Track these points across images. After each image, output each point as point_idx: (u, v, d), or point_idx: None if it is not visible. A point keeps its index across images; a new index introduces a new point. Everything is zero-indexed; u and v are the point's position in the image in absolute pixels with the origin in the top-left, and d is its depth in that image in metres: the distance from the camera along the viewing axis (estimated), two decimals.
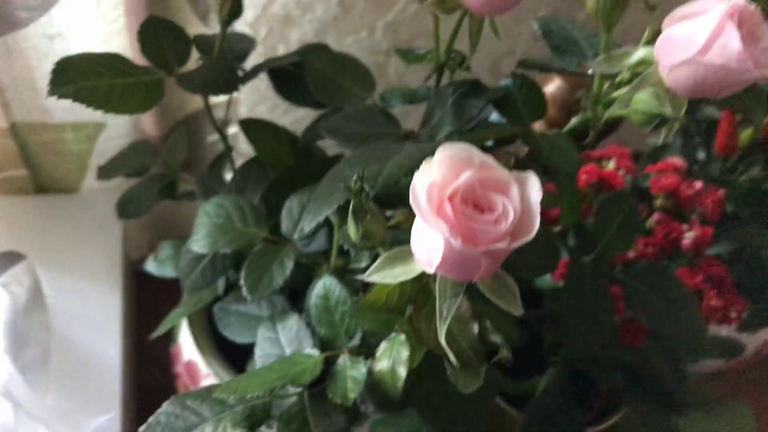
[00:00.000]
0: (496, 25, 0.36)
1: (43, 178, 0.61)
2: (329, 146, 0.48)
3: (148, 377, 0.64)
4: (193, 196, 0.50)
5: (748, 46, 0.27)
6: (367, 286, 0.30)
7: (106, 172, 0.54)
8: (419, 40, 0.88)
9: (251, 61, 0.49)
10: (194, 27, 0.59)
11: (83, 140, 0.57)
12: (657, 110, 0.28)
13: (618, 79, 0.31)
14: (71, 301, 0.56)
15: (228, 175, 0.50)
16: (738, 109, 0.34)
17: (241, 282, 0.36)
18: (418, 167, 0.27)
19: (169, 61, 0.40)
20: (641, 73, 0.30)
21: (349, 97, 0.43)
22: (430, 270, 0.25)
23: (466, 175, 0.23)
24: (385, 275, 0.27)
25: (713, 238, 0.54)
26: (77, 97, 0.35)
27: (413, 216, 0.25)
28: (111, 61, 0.37)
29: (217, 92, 0.41)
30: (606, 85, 0.33)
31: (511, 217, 0.23)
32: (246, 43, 0.51)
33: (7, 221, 0.59)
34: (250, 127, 0.45)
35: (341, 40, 0.82)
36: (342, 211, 0.30)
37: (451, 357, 0.28)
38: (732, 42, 0.26)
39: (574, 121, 0.34)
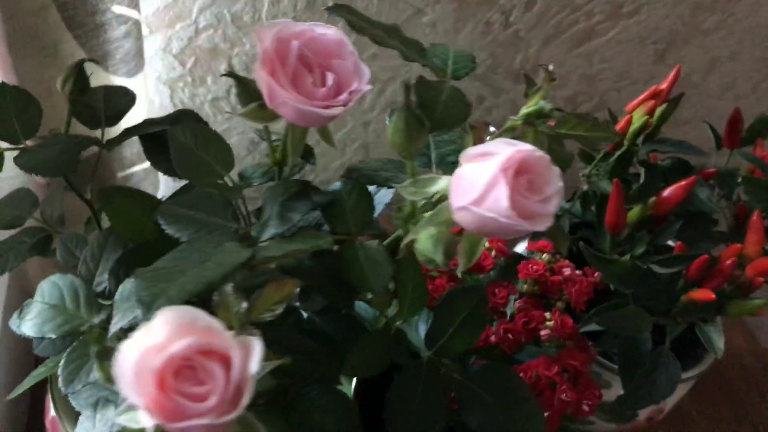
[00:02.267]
0: (328, 133, 0.36)
1: None
2: None
3: None
4: None
5: (527, 196, 0.27)
6: None
7: None
8: None
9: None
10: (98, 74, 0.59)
11: None
12: (430, 256, 0.28)
13: (421, 204, 0.31)
14: None
15: None
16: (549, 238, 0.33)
17: (59, 372, 0.36)
18: (220, 280, 0.27)
19: (15, 133, 0.40)
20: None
21: (208, 173, 0.43)
22: None
23: (183, 342, 0.23)
24: None
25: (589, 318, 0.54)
26: None
27: None
28: None
29: (51, 175, 0.40)
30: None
31: (220, 391, 0.22)
32: (126, 99, 0.50)
33: None
34: (111, 194, 0.44)
35: None
36: None
37: None
38: (501, 198, 0.26)
39: (393, 236, 0.34)
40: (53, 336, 0.38)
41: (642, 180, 0.58)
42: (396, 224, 0.33)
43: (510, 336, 0.47)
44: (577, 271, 0.52)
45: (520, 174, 0.27)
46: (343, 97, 0.31)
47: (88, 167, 0.48)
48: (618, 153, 0.60)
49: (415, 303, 0.41)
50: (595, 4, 0.89)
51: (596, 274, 0.52)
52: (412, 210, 0.32)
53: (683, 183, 0.57)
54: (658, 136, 0.66)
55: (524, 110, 0.32)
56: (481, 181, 0.27)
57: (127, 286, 0.31)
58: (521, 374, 0.45)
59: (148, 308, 0.28)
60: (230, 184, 0.42)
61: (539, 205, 0.27)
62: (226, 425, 0.22)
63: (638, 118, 0.60)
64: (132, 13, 0.58)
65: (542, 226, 0.27)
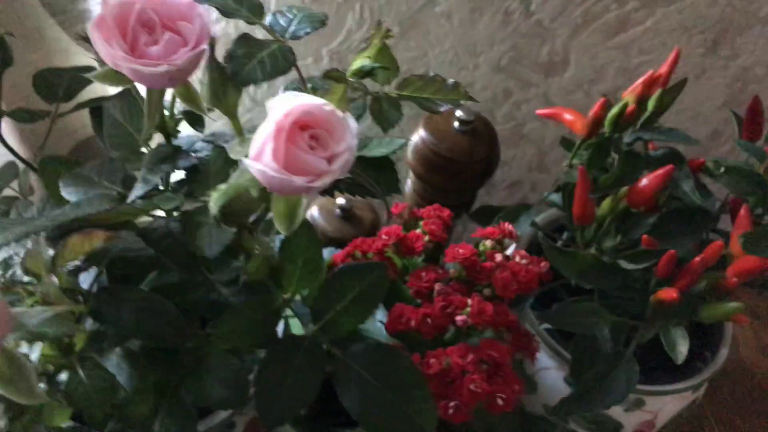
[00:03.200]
0: (192, 96, 0.36)
1: None
2: None
3: None
4: None
5: (309, 151, 0.26)
6: None
7: None
8: None
9: None
10: (78, 57, 0.63)
11: None
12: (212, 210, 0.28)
13: None
14: None
15: None
16: None
17: None
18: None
19: None
20: None
21: (128, 144, 0.45)
22: None
23: None
24: None
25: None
26: None
27: None
28: None
29: None
30: None
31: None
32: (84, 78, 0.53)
33: None
34: (45, 164, 0.47)
35: None
36: None
37: None
38: (268, 152, 0.25)
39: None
40: None
41: (616, 169, 0.54)
42: None
43: (429, 320, 0.45)
44: (522, 261, 0.48)
45: (304, 128, 0.26)
46: (178, 56, 0.31)
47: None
48: (593, 140, 0.56)
49: (306, 278, 0.40)
50: None
51: (542, 265, 0.48)
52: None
53: (659, 173, 0.52)
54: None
55: (352, 67, 0.30)
56: (261, 135, 0.26)
57: None
58: (433, 359, 0.43)
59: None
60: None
61: (321, 162, 0.26)
62: None
63: (618, 105, 0.55)
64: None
65: (322, 183, 0.25)
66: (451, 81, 0.31)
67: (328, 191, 0.36)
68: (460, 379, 0.43)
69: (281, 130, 0.25)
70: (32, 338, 0.29)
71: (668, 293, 0.49)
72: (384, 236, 0.48)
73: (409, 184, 0.70)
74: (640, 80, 0.60)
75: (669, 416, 0.63)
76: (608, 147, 0.55)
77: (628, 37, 0.88)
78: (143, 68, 0.30)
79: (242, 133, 0.31)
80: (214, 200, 0.28)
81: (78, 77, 0.53)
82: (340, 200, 0.66)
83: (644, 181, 0.53)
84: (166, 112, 0.41)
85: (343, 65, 0.89)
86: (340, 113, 0.26)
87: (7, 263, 0.34)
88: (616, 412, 0.59)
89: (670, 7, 0.85)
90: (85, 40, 0.32)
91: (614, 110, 0.55)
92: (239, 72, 0.30)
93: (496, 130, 0.70)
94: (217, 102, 0.30)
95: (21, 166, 0.56)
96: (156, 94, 0.35)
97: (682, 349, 0.48)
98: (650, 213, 0.54)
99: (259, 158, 0.26)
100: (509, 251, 0.55)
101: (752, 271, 0.48)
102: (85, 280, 0.39)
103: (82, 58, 0.62)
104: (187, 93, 0.35)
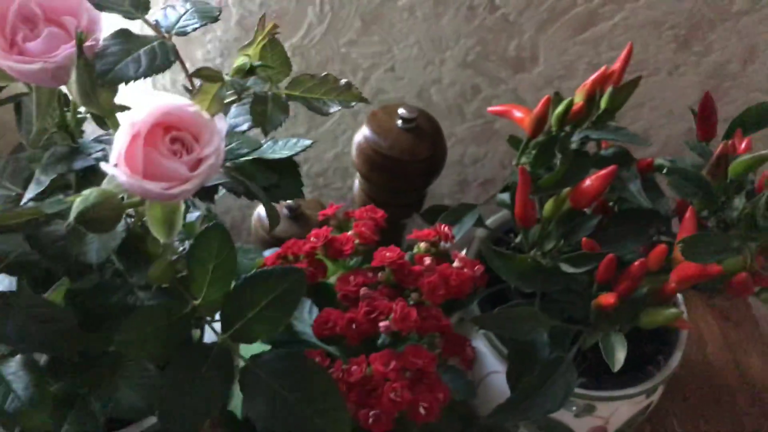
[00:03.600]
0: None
1: None
2: None
3: None
4: None
5: (169, 155, 0.24)
6: None
7: None
8: (331, 64, 0.87)
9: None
10: None
11: None
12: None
13: None
14: None
15: None
16: None
17: None
18: None
19: None
20: None
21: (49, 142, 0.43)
22: None
23: None
24: None
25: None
26: None
27: None
28: None
29: None
30: None
31: None
32: None
33: None
34: None
35: None
36: None
37: None
38: (122, 159, 0.24)
39: None
40: None
41: (557, 169, 0.52)
42: None
43: (353, 326, 0.43)
44: (457, 264, 0.47)
45: (166, 131, 0.24)
46: (59, 52, 0.29)
47: None
48: (540, 139, 0.54)
49: (217, 284, 0.39)
50: None
51: (476, 268, 0.47)
52: None
53: (602, 173, 0.51)
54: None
55: (233, 66, 0.29)
56: (119, 139, 0.25)
57: None
58: (355, 367, 0.42)
59: None
60: None
61: (182, 167, 0.24)
62: None
63: (563, 103, 0.54)
64: None
65: (182, 190, 0.24)
66: (343, 81, 0.29)
67: (207, 196, 0.35)
68: (382, 386, 0.41)
69: (138, 133, 0.24)
70: None
71: (607, 298, 0.47)
72: (313, 238, 0.46)
73: (356, 183, 0.68)
74: (591, 77, 0.58)
75: (622, 421, 0.61)
76: (553, 146, 0.54)
77: (597, 31, 0.87)
78: (17, 65, 0.29)
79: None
80: (75, 206, 0.26)
81: None
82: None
83: (587, 182, 0.52)
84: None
85: (306, 60, 0.88)
86: (206, 115, 0.24)
87: None
88: (566, 417, 0.58)
89: (638, 2, 0.84)
90: None
91: (559, 108, 0.54)
92: (108, 71, 0.29)
93: (440, 126, 0.68)
94: (88, 102, 0.29)
95: None
96: (45, 92, 0.33)
97: (620, 356, 0.47)
98: (596, 215, 0.53)
99: (118, 163, 0.24)
100: (463, 253, 0.53)
101: (692, 278, 0.46)
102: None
103: None
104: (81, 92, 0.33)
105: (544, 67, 0.90)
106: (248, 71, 0.29)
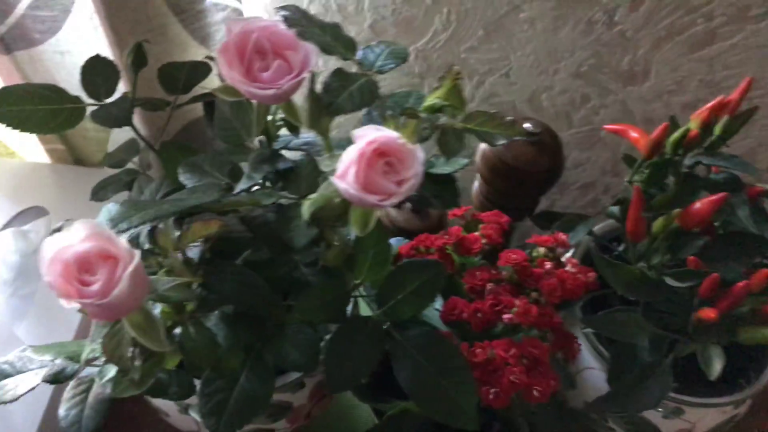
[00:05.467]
0: (292, 111, 0.42)
1: (77, 153, 0.78)
2: None
3: None
4: None
5: (383, 176, 0.32)
6: None
7: (107, 159, 0.69)
8: None
9: None
10: (194, 50, 0.72)
11: (100, 130, 0.73)
12: (304, 214, 0.34)
13: None
14: None
15: None
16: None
17: None
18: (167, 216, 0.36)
19: (99, 93, 0.52)
20: None
21: (234, 137, 0.52)
22: None
23: (86, 245, 0.32)
24: None
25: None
26: (3, 119, 0.48)
27: None
28: (44, 91, 0.50)
29: (110, 126, 0.52)
30: None
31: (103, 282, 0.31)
32: (202, 70, 0.61)
33: (44, 182, 0.77)
34: (165, 147, 0.55)
35: None
36: None
37: None
38: (351, 174, 0.31)
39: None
40: None
41: (671, 191, 0.57)
42: None
43: (479, 315, 0.50)
44: (571, 269, 0.53)
45: (381, 156, 0.32)
46: (284, 81, 0.37)
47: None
48: (654, 160, 0.59)
49: (375, 267, 0.47)
50: (715, 6, 0.84)
51: (589, 275, 0.53)
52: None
53: (712, 198, 0.55)
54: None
55: (424, 104, 0.36)
56: (346, 159, 0.32)
57: (113, 209, 0.41)
58: (480, 350, 0.49)
59: (114, 225, 0.38)
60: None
61: (392, 185, 0.32)
62: (114, 306, 0.31)
63: (680, 130, 0.58)
64: (230, 1, 0.69)
65: (390, 202, 0.32)
66: (509, 118, 0.36)
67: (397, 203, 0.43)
68: (502, 369, 0.48)
69: (363, 156, 0.31)
70: (160, 300, 0.37)
71: (707, 313, 0.52)
72: (446, 236, 0.54)
73: (476, 185, 0.75)
74: (708, 105, 0.62)
75: (707, 427, 0.66)
76: (667, 168, 0.58)
77: (714, 50, 0.89)
78: (256, 91, 0.37)
79: (331, 149, 0.38)
80: (306, 207, 0.34)
81: (195, 71, 0.61)
82: None
83: (697, 205, 0.56)
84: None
85: (427, 63, 0.95)
86: (411, 146, 0.32)
87: (134, 239, 0.42)
88: (655, 417, 0.63)
89: (760, 24, 0.85)
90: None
91: (675, 135, 0.58)
92: (333, 102, 0.36)
93: (562, 140, 0.73)
94: (314, 125, 0.37)
95: (141, 144, 0.65)
96: (264, 107, 0.42)
97: (717, 366, 0.51)
98: (702, 235, 0.57)
99: (344, 177, 0.32)
100: (566, 256, 0.59)
101: None
102: (192, 252, 0.47)
103: (197, 51, 0.70)
104: (288, 108, 0.42)
105: (655, 81, 0.93)
106: (437, 109, 0.36)
